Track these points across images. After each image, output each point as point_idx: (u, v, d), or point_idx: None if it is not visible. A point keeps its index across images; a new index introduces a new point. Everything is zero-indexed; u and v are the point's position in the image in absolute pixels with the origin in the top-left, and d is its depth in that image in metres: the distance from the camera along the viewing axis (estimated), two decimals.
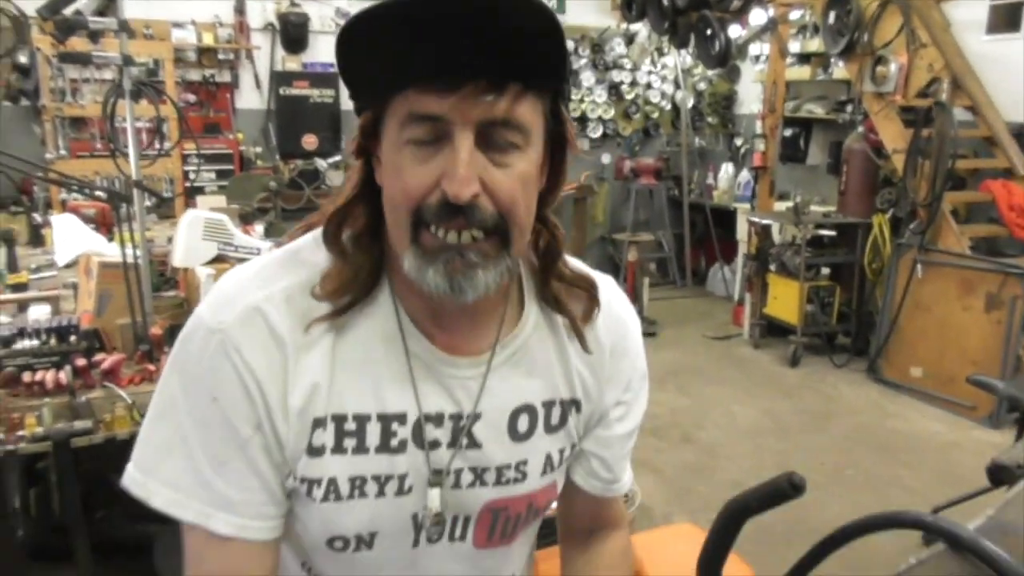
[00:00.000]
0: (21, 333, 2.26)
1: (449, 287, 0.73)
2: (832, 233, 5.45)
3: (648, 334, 5.90)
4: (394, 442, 0.82)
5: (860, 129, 5.42)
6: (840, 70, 5.77)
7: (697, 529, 2.04)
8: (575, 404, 0.92)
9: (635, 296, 6.11)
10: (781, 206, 6.03)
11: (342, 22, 2.64)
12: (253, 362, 0.76)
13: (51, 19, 2.27)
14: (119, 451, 2.56)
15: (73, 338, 2.27)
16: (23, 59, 4.83)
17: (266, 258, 0.84)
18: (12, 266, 3.20)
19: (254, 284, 0.79)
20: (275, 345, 0.77)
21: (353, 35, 0.70)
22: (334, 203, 0.81)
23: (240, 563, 0.79)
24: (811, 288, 5.33)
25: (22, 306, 2.85)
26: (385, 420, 0.81)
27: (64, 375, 2.14)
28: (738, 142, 7.64)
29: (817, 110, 6.48)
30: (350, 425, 0.80)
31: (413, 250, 0.74)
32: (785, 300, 5.46)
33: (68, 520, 2.01)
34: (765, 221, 5.65)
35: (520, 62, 0.69)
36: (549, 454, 0.90)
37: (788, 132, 6.73)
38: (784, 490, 0.97)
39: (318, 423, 0.79)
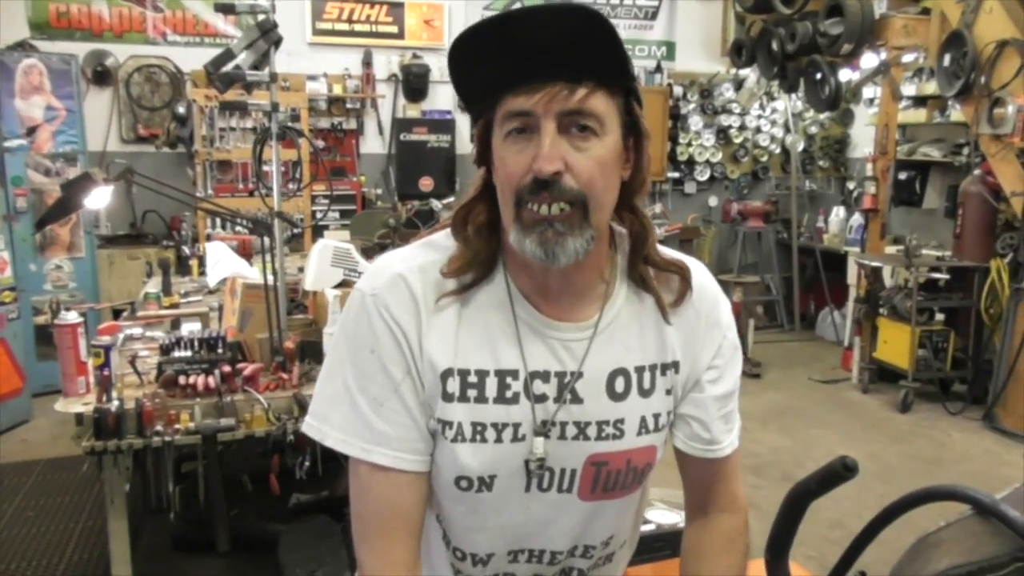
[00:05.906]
0: (178, 343, 2.59)
1: (543, 254, 0.91)
2: (946, 277, 5.31)
3: (752, 375, 5.86)
4: (508, 394, 0.98)
5: (977, 172, 5.29)
6: (958, 113, 5.64)
7: (794, 564, 2.07)
8: (674, 365, 1.04)
9: (740, 337, 6.09)
10: (894, 250, 5.92)
11: None
12: (399, 317, 0.96)
13: (215, 73, 2.63)
14: (249, 457, 2.85)
15: (220, 349, 2.58)
16: (181, 110, 5.46)
17: (408, 246, 1.04)
18: (167, 290, 3.62)
19: (397, 260, 1.00)
20: (413, 304, 0.96)
21: (459, 54, 0.91)
22: (461, 202, 1.01)
23: (396, 490, 0.97)
24: (923, 332, 5.18)
25: (175, 323, 3.24)
26: (501, 375, 0.98)
27: (212, 380, 2.43)
28: (850, 185, 7.52)
29: (933, 153, 6.34)
30: (472, 379, 0.97)
31: (516, 225, 0.92)
32: (896, 344, 5.33)
33: (212, 503, 2.28)
34: (874, 263, 5.56)
35: (587, 64, 0.88)
36: (644, 416, 1.03)
37: (903, 175, 6.57)
38: (838, 471, 1.09)
39: (447, 373, 0.97)
